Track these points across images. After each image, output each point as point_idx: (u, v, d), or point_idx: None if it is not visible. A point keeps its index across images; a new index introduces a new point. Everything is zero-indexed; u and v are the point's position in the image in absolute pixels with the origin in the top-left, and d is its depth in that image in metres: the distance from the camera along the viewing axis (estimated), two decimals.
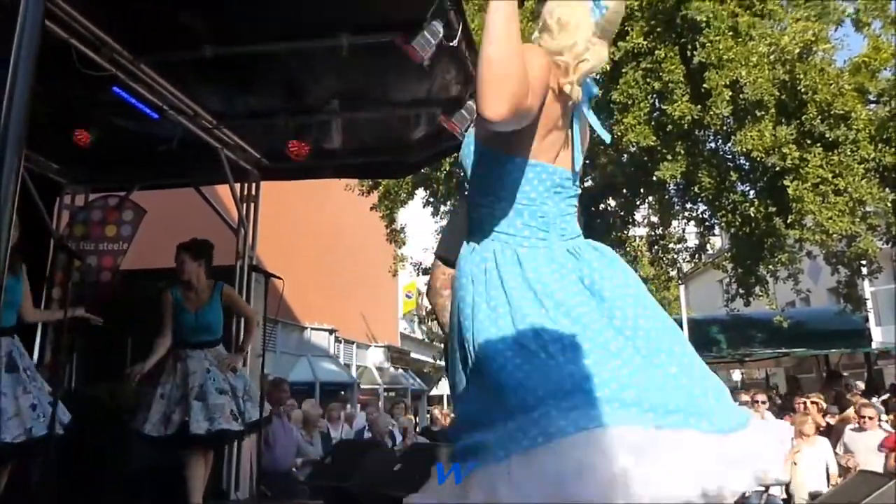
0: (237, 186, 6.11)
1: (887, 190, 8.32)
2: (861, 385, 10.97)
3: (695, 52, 8.46)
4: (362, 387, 17.77)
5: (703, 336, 12.48)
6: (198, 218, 6.40)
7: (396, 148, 5.90)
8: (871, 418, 6.37)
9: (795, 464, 6.59)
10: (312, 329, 16.53)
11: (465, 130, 3.67)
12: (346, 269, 17.48)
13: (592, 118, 1.71)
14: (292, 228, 13.18)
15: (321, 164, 5.82)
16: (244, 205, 6.19)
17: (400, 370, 21.51)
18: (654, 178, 9.21)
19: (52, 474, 3.79)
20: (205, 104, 5.14)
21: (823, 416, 7.51)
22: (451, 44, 3.96)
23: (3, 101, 1.47)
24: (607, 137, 1.79)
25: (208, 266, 4.44)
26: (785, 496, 6.63)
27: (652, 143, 8.68)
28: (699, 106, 8.39)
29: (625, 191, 11.15)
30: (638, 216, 12.22)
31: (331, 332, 17.36)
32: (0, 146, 1.45)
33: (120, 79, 4.28)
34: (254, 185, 6.26)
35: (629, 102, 8.69)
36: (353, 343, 18.77)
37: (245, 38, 4.14)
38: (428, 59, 3.78)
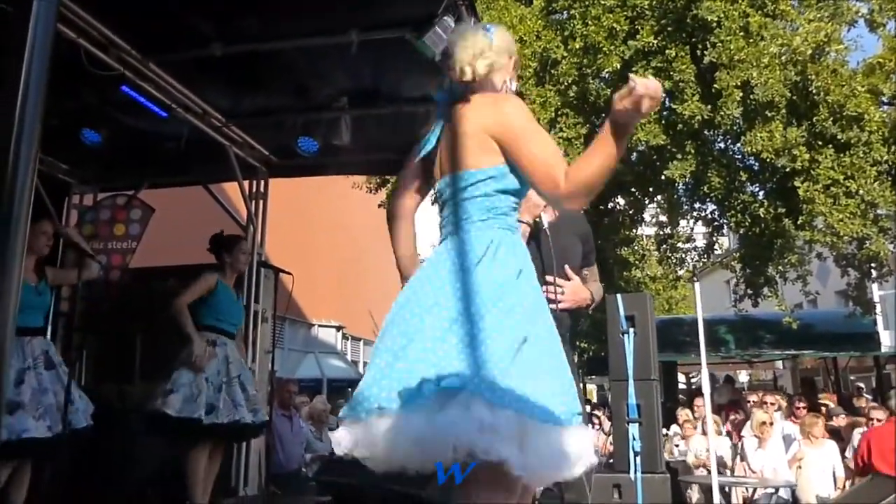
0: (246, 183, 6.10)
1: None
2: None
3: (705, 52, 8.39)
4: None
5: (711, 336, 12.34)
6: (206, 215, 6.39)
7: (405, 145, 5.84)
8: (879, 420, 6.33)
9: (800, 467, 6.57)
10: (320, 326, 16.56)
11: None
12: (353, 266, 17.46)
13: None
14: (301, 225, 13.18)
15: (329, 161, 5.78)
16: (253, 202, 6.19)
17: None
18: (663, 177, 9.16)
19: (62, 474, 3.81)
20: (213, 102, 5.12)
21: (829, 419, 7.45)
22: None
23: (17, 103, 1.46)
24: None
25: None
26: (792, 500, 6.61)
27: (661, 142, 8.62)
28: (709, 106, 8.33)
29: (633, 189, 11.08)
30: (646, 215, 12.15)
31: (338, 328, 17.38)
32: (15, 146, 1.44)
33: (128, 78, 4.27)
34: (262, 181, 6.25)
35: None
36: (360, 340, 18.77)
37: (253, 37, 4.11)
38: (439, 55, 3.74)
